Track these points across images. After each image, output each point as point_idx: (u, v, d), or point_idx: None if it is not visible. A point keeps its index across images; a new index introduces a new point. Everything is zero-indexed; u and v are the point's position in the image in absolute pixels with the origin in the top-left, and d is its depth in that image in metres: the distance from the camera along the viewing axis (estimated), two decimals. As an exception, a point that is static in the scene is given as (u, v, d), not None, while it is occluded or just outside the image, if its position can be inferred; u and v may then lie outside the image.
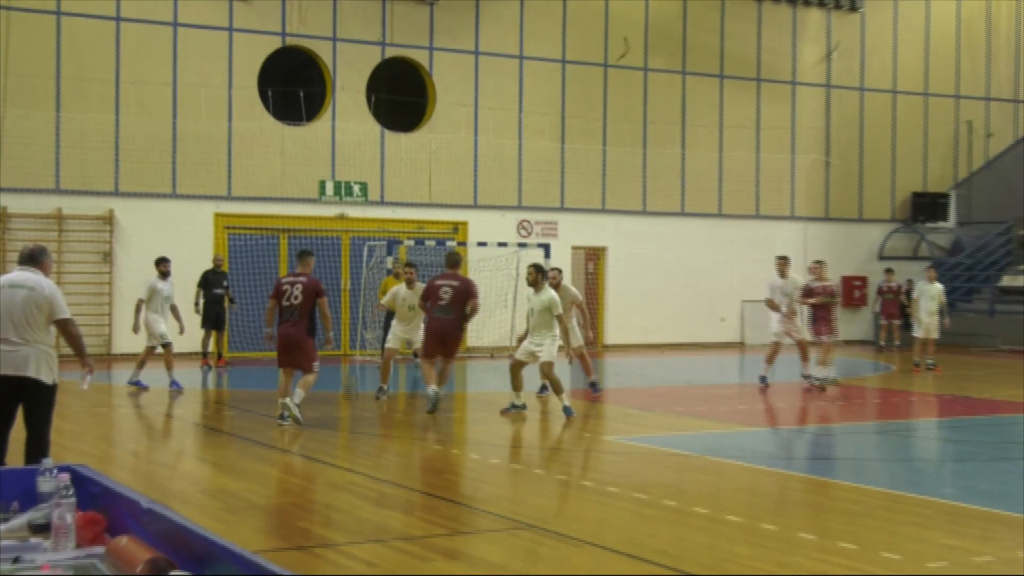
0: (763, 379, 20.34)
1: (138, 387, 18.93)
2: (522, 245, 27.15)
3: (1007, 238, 34.44)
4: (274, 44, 27.07)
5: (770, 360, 20.47)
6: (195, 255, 25.51)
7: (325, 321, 14.91)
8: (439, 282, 16.54)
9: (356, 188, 27.56)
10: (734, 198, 32.32)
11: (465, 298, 16.38)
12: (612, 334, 30.47)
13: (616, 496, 10.62)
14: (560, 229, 29.79)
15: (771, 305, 20.46)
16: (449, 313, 16.24)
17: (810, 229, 33.36)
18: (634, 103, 30.99)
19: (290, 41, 27.21)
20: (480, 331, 27.37)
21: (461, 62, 28.86)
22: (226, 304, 23.82)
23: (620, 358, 27.82)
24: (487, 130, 29.06)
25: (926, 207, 34.54)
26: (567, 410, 16.13)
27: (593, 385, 18.70)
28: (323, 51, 27.51)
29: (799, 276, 21.04)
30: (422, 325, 17.71)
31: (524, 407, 16.55)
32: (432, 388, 16.25)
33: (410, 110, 29.04)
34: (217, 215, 26.37)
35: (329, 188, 27.32)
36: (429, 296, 16.50)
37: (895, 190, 34.85)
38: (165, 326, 19.02)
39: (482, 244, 26.83)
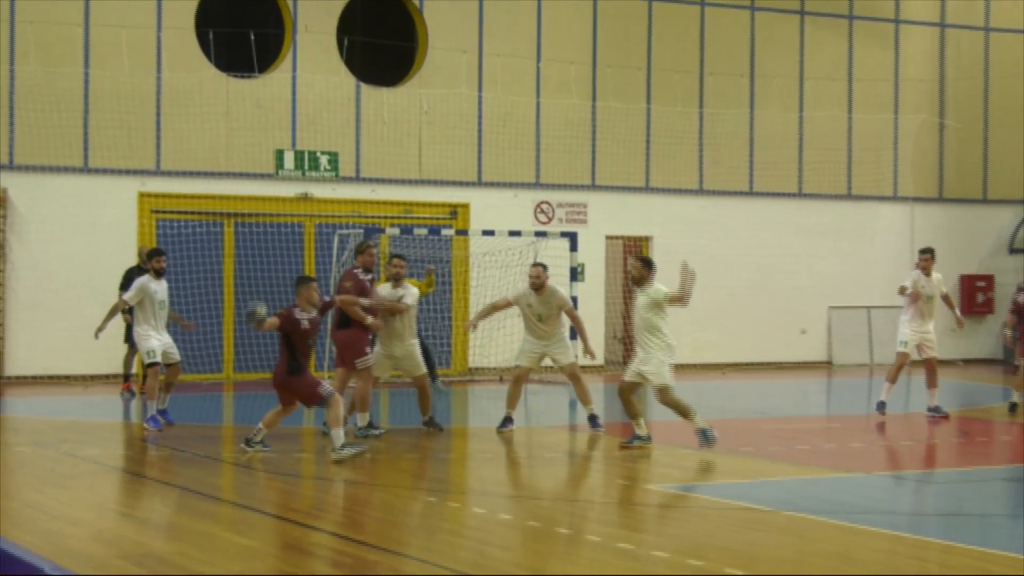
0: (881, 405, 20.55)
1: (157, 424, 18.74)
2: (541, 234, 27.14)
3: None
4: (216, -28, 27.15)
5: (893, 379, 20.81)
6: (113, 248, 25.56)
7: None
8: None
9: (324, 160, 27.60)
10: (819, 173, 32.32)
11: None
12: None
13: (664, 562, 10.61)
14: (590, 214, 29.81)
15: (910, 295, 20.81)
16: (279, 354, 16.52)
17: (919, 213, 33.35)
18: (688, 48, 30.99)
19: (237, -32, 27.28)
20: (486, 347, 27.37)
21: (461, -5, 28.92)
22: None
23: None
24: (494, 84, 29.07)
25: (1071, 184, 34.54)
26: (706, 436, 16.77)
27: (592, 419, 18.79)
28: (280, -19, 27.59)
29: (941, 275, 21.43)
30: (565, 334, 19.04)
31: (649, 439, 17.15)
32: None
33: (395, 58, 29.06)
34: (142, 195, 26.42)
35: (288, 160, 27.36)
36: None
37: (1030, 162, 34.86)
38: (159, 340, 18.98)
39: (488, 233, 26.84)
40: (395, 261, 18.43)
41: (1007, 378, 28.32)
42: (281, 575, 10.36)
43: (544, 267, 19.04)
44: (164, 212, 26.61)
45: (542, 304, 18.56)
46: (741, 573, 10.19)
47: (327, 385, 16.04)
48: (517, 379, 18.82)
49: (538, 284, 18.45)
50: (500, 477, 16.20)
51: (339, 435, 15.45)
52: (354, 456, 15.54)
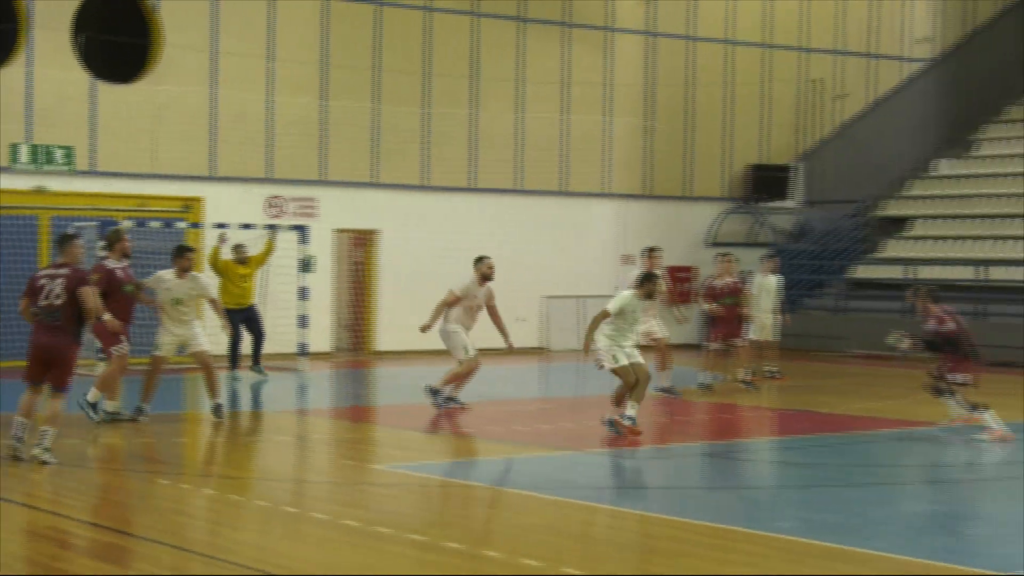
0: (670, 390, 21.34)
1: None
2: (272, 227, 27.00)
3: (861, 220, 35.74)
4: (-49, -32, 26.34)
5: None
6: None
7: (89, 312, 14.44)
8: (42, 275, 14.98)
9: (59, 154, 27.01)
10: (536, 170, 32.72)
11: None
12: (385, 338, 30.51)
13: (388, 539, 10.71)
14: (321, 207, 29.72)
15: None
16: (57, 318, 14.48)
17: (628, 208, 34.01)
18: (414, 51, 31.10)
19: (-28, -36, 26.51)
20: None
21: (195, -4, 28.55)
22: None
23: (395, 367, 27.90)
24: (228, 82, 28.79)
25: (766, 183, 35.55)
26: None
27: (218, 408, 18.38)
28: (16, -22, 26.89)
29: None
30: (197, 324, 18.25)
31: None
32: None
33: (130, 55, 28.56)
34: None
35: (23, 154, 26.71)
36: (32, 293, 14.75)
37: (730, 162, 35.78)
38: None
39: (222, 226, 26.56)
40: (187, 255, 18.32)
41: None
42: (14, 555, 10.18)
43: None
44: (-103, 204, 25.76)
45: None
46: (459, 546, 10.35)
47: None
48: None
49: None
50: (231, 459, 16.12)
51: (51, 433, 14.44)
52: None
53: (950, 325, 17.88)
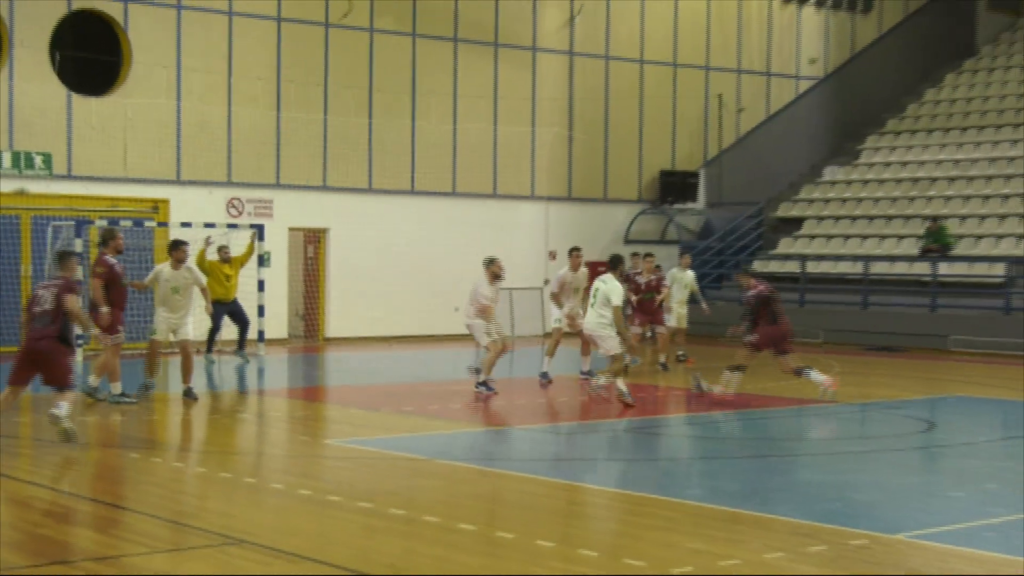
0: (545, 375, 21.08)
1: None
2: (232, 226, 26.87)
3: (758, 220, 36.01)
4: (-61, -10, 25.97)
5: (552, 352, 21.34)
6: None
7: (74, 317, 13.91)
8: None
9: (38, 160, 26.71)
10: (470, 175, 32.74)
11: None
12: (335, 325, 30.45)
13: (338, 506, 10.70)
14: (275, 208, 29.59)
15: (556, 300, 21.47)
16: (47, 323, 13.88)
17: (552, 210, 34.09)
18: (359, 68, 31.02)
19: (-42, -13, 26.14)
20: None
21: (161, 16, 28.28)
22: None
23: (343, 352, 27.84)
24: (192, 95, 28.60)
25: (675, 187, 35.76)
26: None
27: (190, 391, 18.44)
28: (-2, 0, 26.54)
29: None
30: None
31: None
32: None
33: (102, 71, 28.31)
34: None
35: (6, 160, 26.40)
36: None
37: (642, 168, 35.95)
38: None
39: (186, 225, 26.39)
40: (183, 247, 18.54)
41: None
42: None
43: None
44: None
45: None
46: (402, 512, 10.35)
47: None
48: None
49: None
50: (196, 436, 16.03)
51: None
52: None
53: (762, 289, 19.03)
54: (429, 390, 20.29)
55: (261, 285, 26.27)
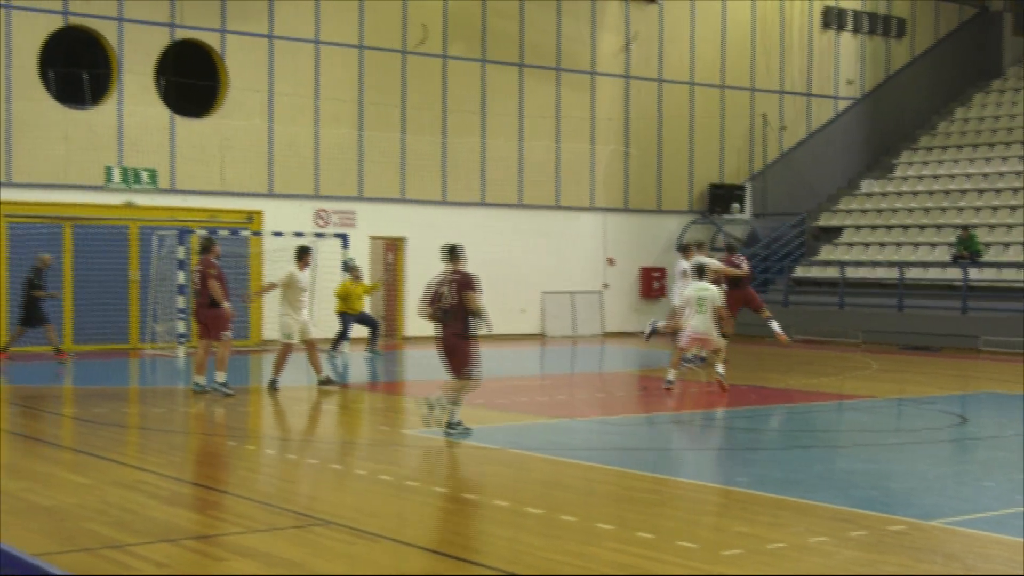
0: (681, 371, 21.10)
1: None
2: (319, 235, 26.99)
3: (800, 230, 35.71)
4: (56, 23, 26.25)
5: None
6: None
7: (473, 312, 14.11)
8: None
9: (145, 175, 26.97)
10: (534, 188, 32.71)
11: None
12: (412, 326, 30.48)
13: (415, 490, 10.69)
14: (358, 219, 29.70)
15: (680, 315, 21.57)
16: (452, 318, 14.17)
17: (610, 220, 33.99)
18: (433, 91, 31.09)
19: (72, 20, 26.43)
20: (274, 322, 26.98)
21: (255, 46, 28.48)
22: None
23: (420, 350, 27.86)
24: (282, 117, 28.77)
25: (722, 198, 35.56)
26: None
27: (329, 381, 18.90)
28: (108, 31, 26.79)
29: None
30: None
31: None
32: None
33: (201, 95, 28.54)
34: (-5, 202, 25.46)
35: (116, 175, 26.66)
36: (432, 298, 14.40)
37: (693, 182, 35.78)
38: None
39: (278, 234, 26.56)
40: (310, 252, 19.09)
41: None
42: (107, 502, 10.15)
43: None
44: (15, 217, 25.67)
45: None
46: (474, 496, 10.33)
47: None
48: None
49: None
50: (287, 425, 16.10)
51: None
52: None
53: (742, 263, 21.00)
54: (497, 385, 20.25)
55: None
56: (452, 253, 14.53)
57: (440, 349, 14.19)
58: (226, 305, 17.45)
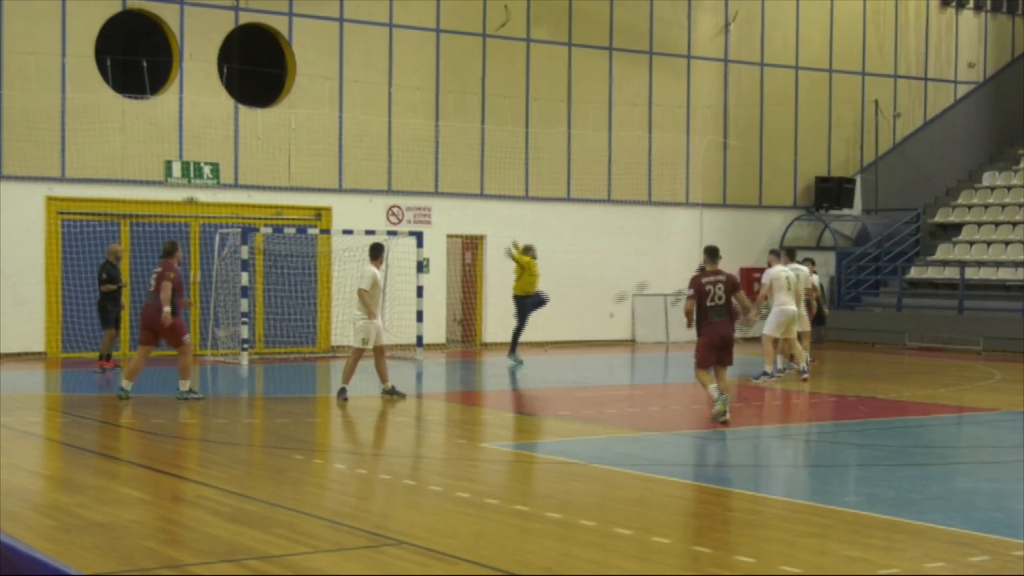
0: (789, 371, 22.23)
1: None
2: (392, 233, 27.14)
3: (916, 226, 35.31)
4: (113, 7, 26.66)
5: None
6: (22, 245, 25.11)
7: (744, 310, 16.72)
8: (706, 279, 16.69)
9: (207, 169, 27.29)
10: (624, 182, 32.65)
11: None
12: (492, 331, 30.56)
13: (495, 509, 10.71)
14: (434, 216, 29.82)
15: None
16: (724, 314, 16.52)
17: (706, 216, 33.83)
18: (516, 77, 31.13)
19: (131, 4, 26.82)
20: (350, 327, 27.19)
21: (324, 30, 28.72)
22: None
23: (500, 357, 27.91)
24: (353, 106, 28.97)
25: (830, 193, 35.24)
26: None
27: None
28: (169, 16, 27.16)
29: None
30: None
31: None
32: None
33: (267, 83, 28.83)
34: (49, 199, 25.90)
35: (176, 169, 27.01)
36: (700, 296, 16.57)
37: (797, 175, 35.51)
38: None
39: (348, 232, 26.76)
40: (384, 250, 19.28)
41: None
42: (167, 519, 10.28)
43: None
44: (69, 214, 26.10)
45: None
46: (558, 515, 10.33)
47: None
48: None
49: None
50: (357, 438, 16.20)
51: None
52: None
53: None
54: (584, 395, 20.25)
55: (420, 291, 26.51)
56: (715, 254, 16.82)
57: (710, 342, 16.34)
58: (167, 310, 17.91)
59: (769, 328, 21.91)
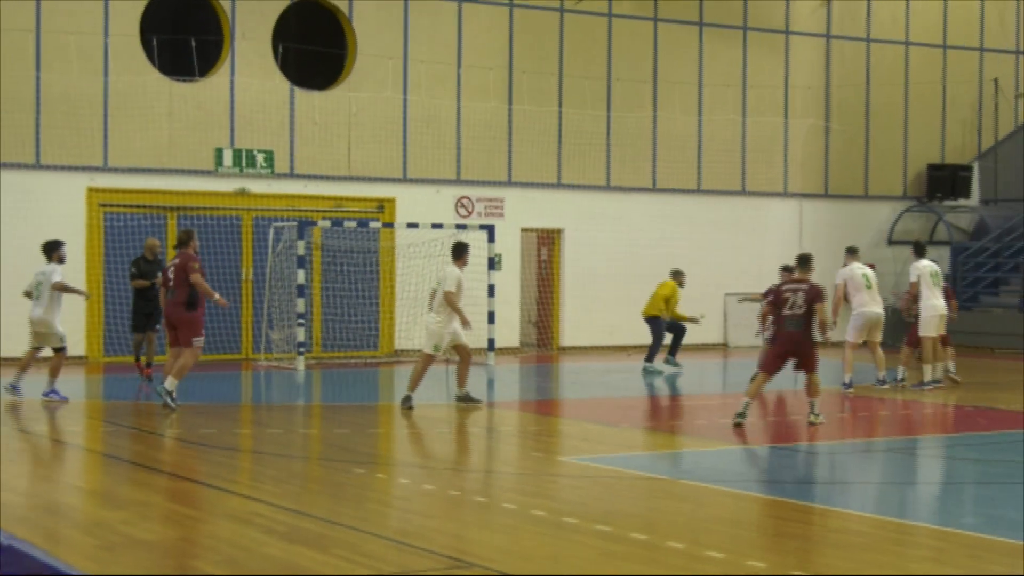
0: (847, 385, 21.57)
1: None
2: (461, 227, 27.19)
3: (1040, 219, 34.91)
4: (160, -17, 26.94)
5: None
6: (63, 239, 25.40)
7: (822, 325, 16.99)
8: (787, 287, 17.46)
9: (260, 158, 27.47)
10: (716, 171, 32.51)
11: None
12: (570, 334, 30.55)
13: (574, 528, 10.67)
14: (507, 208, 29.85)
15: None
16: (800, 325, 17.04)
17: (807, 208, 33.62)
18: (596, 56, 31.08)
19: (179, -21, 27.06)
20: (411, 330, 27.29)
21: (387, 6, 28.81)
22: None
23: (579, 362, 27.89)
24: (419, 88, 29.04)
25: (944, 182, 34.90)
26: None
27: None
28: (219, -9, 27.39)
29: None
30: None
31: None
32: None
33: (326, 64, 28.97)
34: (91, 190, 26.19)
35: (227, 158, 27.21)
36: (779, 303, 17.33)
37: (907, 162, 35.20)
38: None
39: (412, 226, 26.85)
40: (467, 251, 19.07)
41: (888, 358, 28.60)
42: (217, 537, 10.34)
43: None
44: (111, 206, 26.38)
45: None
46: (643, 536, 10.28)
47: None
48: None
49: None
50: (423, 450, 16.22)
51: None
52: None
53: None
54: (670, 405, 20.17)
55: (492, 290, 26.52)
56: (807, 263, 17.46)
57: (781, 351, 17.14)
58: (217, 297, 18.26)
59: (851, 335, 21.79)
